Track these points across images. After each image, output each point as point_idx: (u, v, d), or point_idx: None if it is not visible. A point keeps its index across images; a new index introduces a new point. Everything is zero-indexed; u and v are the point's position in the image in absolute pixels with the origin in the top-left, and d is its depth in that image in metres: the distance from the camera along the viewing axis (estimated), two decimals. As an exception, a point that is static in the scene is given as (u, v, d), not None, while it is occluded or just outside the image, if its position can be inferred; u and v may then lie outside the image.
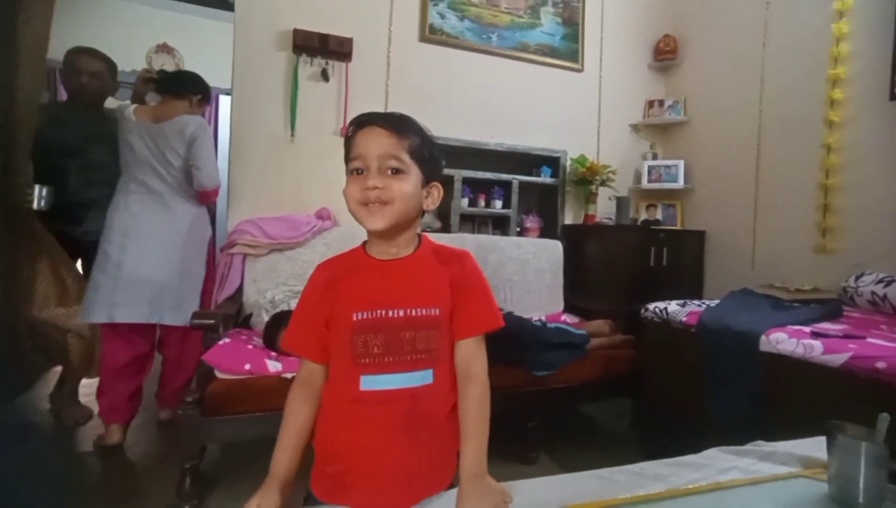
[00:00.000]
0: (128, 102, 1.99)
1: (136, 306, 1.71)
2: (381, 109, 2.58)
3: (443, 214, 2.68)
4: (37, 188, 1.83)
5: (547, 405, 1.86)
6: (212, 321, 1.50)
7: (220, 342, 1.53)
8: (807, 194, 2.27)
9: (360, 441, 0.68)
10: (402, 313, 0.69)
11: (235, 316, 1.86)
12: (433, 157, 0.74)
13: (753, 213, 2.55)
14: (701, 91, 2.94)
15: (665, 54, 3.08)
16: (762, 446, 0.94)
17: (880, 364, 1.16)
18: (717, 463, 0.86)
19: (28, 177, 1.80)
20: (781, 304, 1.83)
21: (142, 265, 1.73)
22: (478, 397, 0.71)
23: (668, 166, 3.00)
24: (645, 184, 3.02)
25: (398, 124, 0.69)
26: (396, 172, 0.68)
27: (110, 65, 2.09)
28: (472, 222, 2.80)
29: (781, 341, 1.39)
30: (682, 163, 2.96)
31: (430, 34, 2.60)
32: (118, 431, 1.74)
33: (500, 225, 2.84)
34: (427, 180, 0.73)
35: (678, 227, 2.95)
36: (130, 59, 4.14)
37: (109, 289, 1.70)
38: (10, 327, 1.75)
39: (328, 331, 0.71)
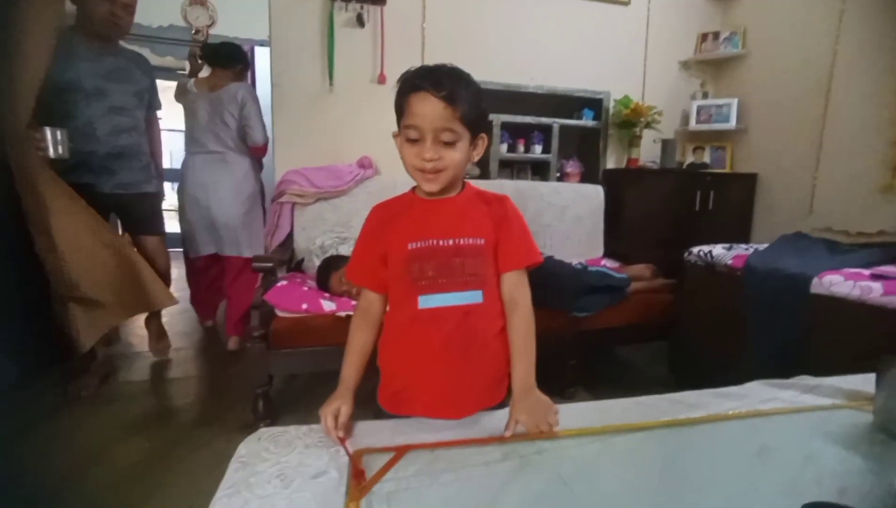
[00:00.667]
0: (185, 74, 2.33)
1: (217, 242, 2.26)
2: (417, 55, 2.58)
3: (482, 160, 2.65)
4: (48, 132, 1.55)
5: (586, 346, 1.91)
6: (270, 264, 1.61)
7: (278, 284, 1.65)
8: (880, 128, 2.09)
9: (417, 358, 0.77)
10: (451, 242, 0.76)
11: (289, 261, 1.98)
12: (481, 114, 0.76)
13: (816, 153, 2.38)
14: (764, 20, 2.69)
15: (723, -20, 2.80)
16: (806, 380, 0.96)
17: (942, 304, 1.12)
18: (759, 394, 0.89)
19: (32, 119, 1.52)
20: (839, 248, 1.77)
21: (216, 211, 2.19)
22: (524, 321, 0.78)
23: (719, 106, 2.82)
24: (693, 125, 2.86)
25: (452, 94, 0.69)
26: (449, 143, 0.71)
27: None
28: (512, 168, 2.78)
29: (836, 283, 1.36)
30: (735, 102, 2.77)
31: (467, -29, 2.47)
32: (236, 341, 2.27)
33: (539, 171, 2.80)
34: (474, 136, 0.75)
35: (727, 170, 2.82)
36: (164, 12, 4.18)
37: (202, 228, 2.23)
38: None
39: (385, 265, 0.78)
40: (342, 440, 0.66)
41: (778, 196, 2.61)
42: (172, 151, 5.21)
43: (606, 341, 1.98)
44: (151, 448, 1.43)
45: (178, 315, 2.73)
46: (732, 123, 2.77)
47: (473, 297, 0.77)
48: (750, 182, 2.72)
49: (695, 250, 1.86)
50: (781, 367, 1.44)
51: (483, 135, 0.78)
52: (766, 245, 1.83)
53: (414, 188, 0.81)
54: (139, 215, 1.98)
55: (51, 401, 1.70)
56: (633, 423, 0.77)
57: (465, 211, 0.79)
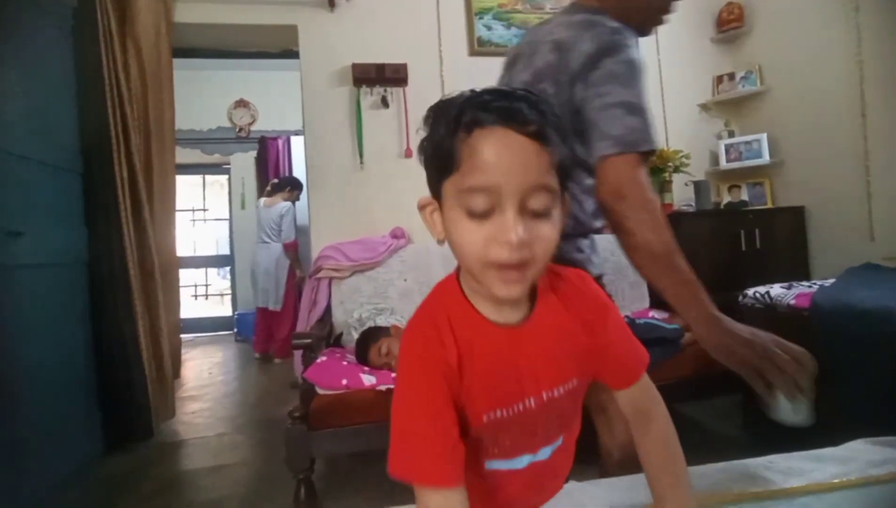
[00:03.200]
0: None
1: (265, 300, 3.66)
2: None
3: (510, 220, 2.67)
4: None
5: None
6: (309, 341, 1.62)
7: (318, 361, 1.63)
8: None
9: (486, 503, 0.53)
10: (541, 398, 0.49)
11: (327, 336, 1.98)
12: (572, 160, 0.49)
13: (865, 176, 2.26)
14: (779, 56, 2.70)
15: (730, 24, 2.87)
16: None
17: None
18: (866, 456, 0.76)
19: None
20: (914, 276, 1.61)
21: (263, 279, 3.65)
22: (662, 436, 0.55)
23: (748, 142, 2.77)
24: (724, 165, 2.81)
25: (543, 130, 0.41)
26: (542, 213, 0.42)
27: None
28: (541, 226, 2.77)
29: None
30: (764, 137, 2.72)
31: (479, 47, 2.65)
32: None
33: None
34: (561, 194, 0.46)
35: (769, 205, 2.70)
36: (214, 116, 4.67)
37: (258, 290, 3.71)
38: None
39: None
40: None
41: (832, 227, 2.45)
42: (219, 239, 5.56)
43: (665, 399, 1.81)
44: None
45: (223, 399, 2.75)
46: (766, 158, 2.70)
47: (553, 447, 0.54)
48: (798, 215, 2.59)
49: (750, 292, 1.74)
50: (878, 419, 1.28)
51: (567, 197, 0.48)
52: (831, 281, 1.69)
53: (460, 284, 0.50)
54: None
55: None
56: (722, 493, 0.67)
57: (556, 341, 0.50)
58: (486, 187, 0.41)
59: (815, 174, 2.52)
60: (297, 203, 3.73)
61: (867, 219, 2.25)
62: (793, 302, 1.56)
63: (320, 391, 1.53)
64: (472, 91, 0.45)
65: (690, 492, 0.53)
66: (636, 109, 0.79)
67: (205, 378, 3.24)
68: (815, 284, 1.69)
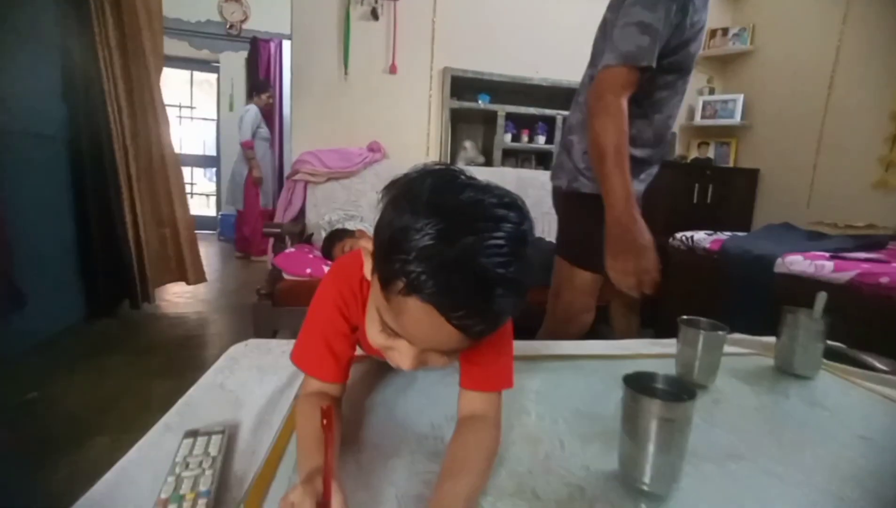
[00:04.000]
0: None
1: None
2: (427, 47, 2.76)
3: (486, 149, 2.79)
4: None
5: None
6: (278, 230, 1.80)
7: (287, 251, 1.83)
8: (878, 125, 2.12)
9: None
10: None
11: (300, 234, 2.17)
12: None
13: (816, 149, 2.42)
14: (773, 17, 2.72)
15: (734, -24, 2.84)
16: (742, 338, 1.06)
17: (884, 279, 1.20)
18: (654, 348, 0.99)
19: None
20: (820, 236, 1.83)
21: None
22: (486, 442, 0.54)
23: (724, 101, 2.86)
24: (698, 120, 2.92)
25: (484, 331, 0.42)
26: (451, 351, 0.47)
27: None
28: (516, 158, 2.90)
29: (795, 262, 1.44)
30: (741, 98, 2.81)
31: (476, -34, 2.60)
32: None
33: (543, 161, 2.91)
34: None
35: (731, 165, 2.86)
36: (204, 8, 4.47)
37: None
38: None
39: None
40: None
41: (779, 191, 2.64)
42: (206, 140, 5.53)
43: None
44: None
45: (203, 287, 2.99)
46: (737, 119, 2.81)
47: None
48: (752, 177, 2.76)
49: (678, 235, 1.95)
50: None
51: None
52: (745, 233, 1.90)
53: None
54: None
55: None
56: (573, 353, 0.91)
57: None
58: (399, 329, 0.43)
59: (777, 140, 2.66)
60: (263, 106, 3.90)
61: (808, 187, 2.44)
62: (708, 246, 1.78)
63: (286, 277, 1.75)
64: (446, 229, 0.38)
65: (468, 502, 0.44)
66: (649, 30, 0.90)
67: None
68: (735, 234, 1.90)
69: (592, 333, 1.39)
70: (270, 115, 4.14)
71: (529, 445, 0.59)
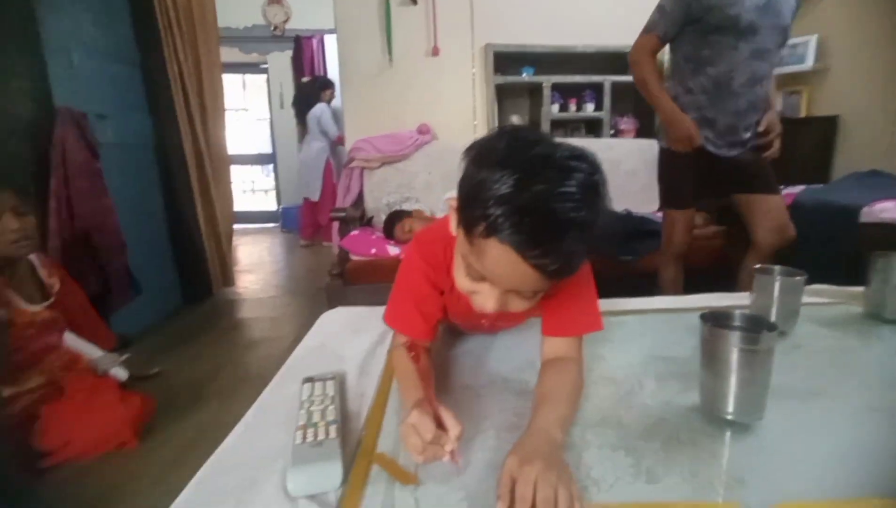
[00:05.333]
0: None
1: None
2: (467, 27, 2.74)
3: (533, 122, 2.76)
4: None
5: (631, 290, 2.00)
6: (344, 214, 1.92)
7: (352, 234, 1.95)
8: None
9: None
10: (492, 328, 0.78)
11: (361, 217, 2.28)
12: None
13: (900, 88, 2.19)
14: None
15: None
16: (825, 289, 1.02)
17: None
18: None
19: None
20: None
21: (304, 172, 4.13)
22: (572, 377, 0.58)
23: (792, 46, 2.63)
24: (763, 69, 2.71)
25: (558, 271, 0.45)
26: (530, 294, 0.50)
27: None
28: (565, 128, 2.85)
29: (888, 209, 1.34)
30: (814, 39, 2.58)
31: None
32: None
33: (593, 129, 2.84)
34: None
35: (802, 115, 2.64)
36: (249, 13, 4.68)
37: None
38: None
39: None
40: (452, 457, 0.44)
41: (862, 138, 2.41)
42: (260, 139, 5.83)
43: (651, 286, 2.04)
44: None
45: (274, 274, 3.22)
46: (809, 63, 2.58)
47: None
48: (830, 126, 2.54)
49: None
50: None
51: None
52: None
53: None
54: None
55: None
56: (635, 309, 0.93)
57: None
58: (480, 275, 0.48)
59: (857, 84, 2.42)
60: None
61: (892, 132, 2.21)
62: (779, 200, 1.68)
63: (353, 257, 1.86)
64: (521, 177, 0.41)
65: (562, 435, 0.48)
66: (662, 10, 1.38)
67: (256, 260, 3.72)
68: (810, 187, 1.79)
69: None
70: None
71: (609, 385, 0.63)
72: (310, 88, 4.11)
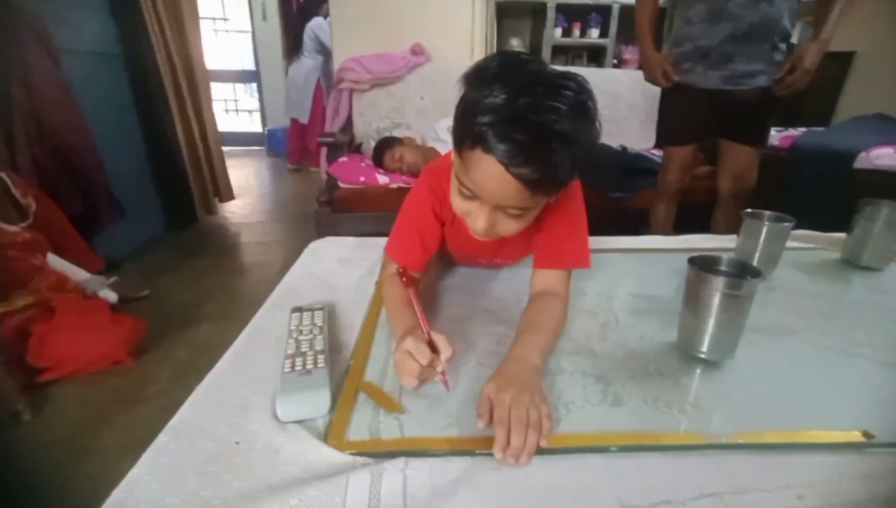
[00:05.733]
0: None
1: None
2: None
3: (534, 46, 2.60)
4: None
5: (623, 227, 2.01)
6: (332, 140, 1.84)
7: (340, 160, 1.88)
8: None
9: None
10: (492, 263, 0.78)
11: (349, 143, 2.20)
12: (577, 171, 0.52)
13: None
14: None
15: None
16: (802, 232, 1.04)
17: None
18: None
19: None
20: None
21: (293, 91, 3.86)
22: (554, 310, 0.60)
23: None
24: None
25: (540, 182, 0.47)
26: (516, 215, 0.52)
27: None
28: (566, 55, 2.69)
29: (883, 156, 1.33)
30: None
31: None
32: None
33: (595, 57, 2.69)
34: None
35: (816, 50, 2.51)
36: None
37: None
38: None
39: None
40: (444, 378, 0.47)
41: (876, 77, 2.32)
42: (242, 53, 5.42)
43: (643, 223, 2.05)
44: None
45: (261, 199, 3.15)
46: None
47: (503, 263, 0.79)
48: (844, 62, 2.43)
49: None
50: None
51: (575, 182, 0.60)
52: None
53: None
54: None
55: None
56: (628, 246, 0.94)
57: (514, 241, 0.63)
58: (470, 190, 0.51)
59: (880, 11, 2.27)
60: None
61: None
62: (777, 143, 1.65)
63: (342, 185, 1.82)
64: (494, 90, 0.44)
65: (541, 361, 0.50)
66: None
67: (243, 184, 3.62)
68: (811, 130, 1.75)
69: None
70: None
71: (587, 318, 0.66)
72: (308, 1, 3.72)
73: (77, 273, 1.39)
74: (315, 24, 3.59)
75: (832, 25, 1.19)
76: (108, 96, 2.07)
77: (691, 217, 2.02)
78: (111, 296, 1.40)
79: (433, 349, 0.47)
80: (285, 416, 0.44)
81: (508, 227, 0.53)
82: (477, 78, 0.47)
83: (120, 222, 1.89)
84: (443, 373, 0.46)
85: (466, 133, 0.46)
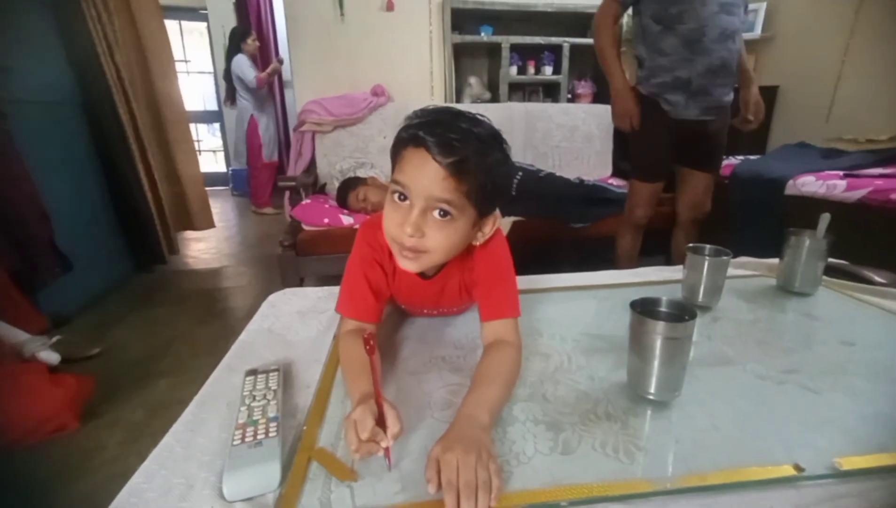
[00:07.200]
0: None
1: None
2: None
3: (491, 83, 2.71)
4: None
5: (584, 255, 2.07)
6: (293, 184, 1.84)
7: (303, 203, 1.88)
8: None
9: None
10: (433, 312, 0.80)
11: (313, 184, 2.21)
12: (497, 190, 0.59)
13: (842, 58, 2.28)
14: None
15: None
16: (746, 261, 1.11)
17: (894, 195, 1.21)
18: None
19: None
20: (837, 154, 1.80)
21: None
22: (511, 356, 0.61)
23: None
24: (714, 36, 2.75)
25: (461, 163, 0.53)
26: (444, 214, 0.56)
27: None
28: (523, 91, 2.81)
29: (807, 183, 1.44)
30: (763, 6, 2.63)
31: None
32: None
33: (551, 92, 2.82)
34: (483, 215, 0.60)
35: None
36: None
37: None
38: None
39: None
40: (387, 455, 0.46)
41: (797, 108, 2.54)
42: (205, 94, 5.42)
43: (604, 250, 2.13)
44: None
45: (225, 241, 3.09)
46: (757, 32, 2.65)
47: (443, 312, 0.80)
48: (770, 95, 2.64)
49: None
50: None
51: (496, 214, 0.63)
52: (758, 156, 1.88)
53: None
54: None
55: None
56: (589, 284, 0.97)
57: (450, 286, 0.70)
58: (402, 185, 0.56)
59: (799, 52, 2.51)
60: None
61: (829, 102, 2.34)
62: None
63: (306, 227, 1.81)
64: (423, 113, 0.57)
65: (488, 418, 0.50)
66: None
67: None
68: (748, 158, 1.88)
69: (606, 262, 1.52)
70: (265, 61, 3.98)
71: (541, 360, 0.67)
72: (231, 40, 3.65)
73: (14, 335, 1.31)
74: (234, 64, 3.56)
75: (751, 68, 1.38)
76: (62, 144, 2.02)
77: (651, 242, 2.12)
78: (52, 358, 1.32)
79: (383, 421, 0.46)
80: (231, 495, 0.43)
81: (436, 238, 0.57)
82: (407, 119, 0.58)
83: (66, 275, 1.80)
84: (386, 449, 0.45)
85: (400, 140, 0.57)
